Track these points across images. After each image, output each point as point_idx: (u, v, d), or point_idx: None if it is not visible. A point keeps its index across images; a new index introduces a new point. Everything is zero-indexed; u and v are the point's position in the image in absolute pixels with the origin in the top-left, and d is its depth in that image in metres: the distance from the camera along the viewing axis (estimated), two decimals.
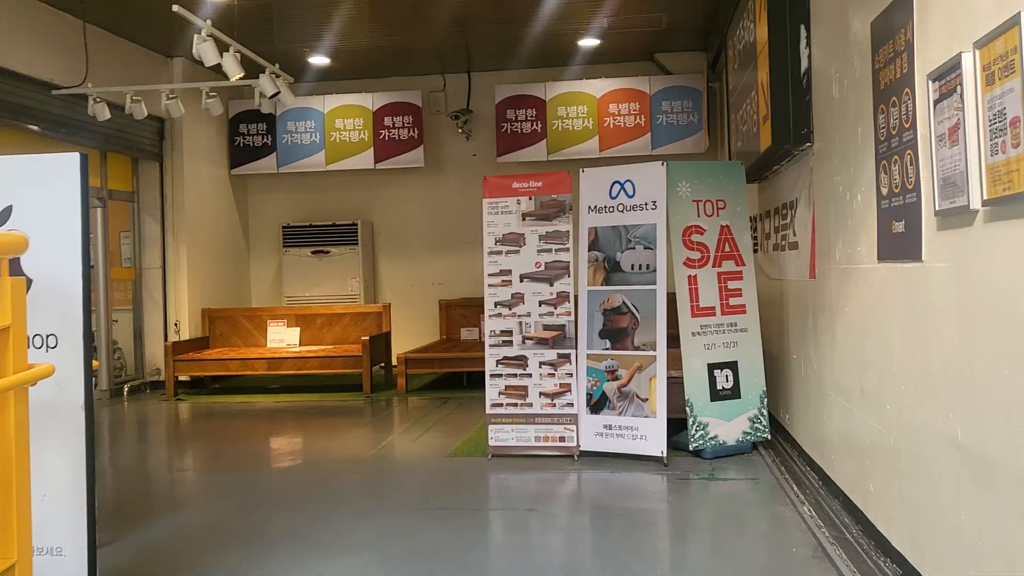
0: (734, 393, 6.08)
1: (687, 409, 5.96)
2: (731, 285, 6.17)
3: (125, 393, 10.18)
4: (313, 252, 11.71)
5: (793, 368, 5.95)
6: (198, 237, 10.92)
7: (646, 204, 6.04)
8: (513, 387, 6.17)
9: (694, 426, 5.95)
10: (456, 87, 11.78)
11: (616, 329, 6.06)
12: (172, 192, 10.70)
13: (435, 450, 6.57)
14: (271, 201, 12.34)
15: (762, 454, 6.08)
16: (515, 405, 6.16)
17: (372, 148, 11.45)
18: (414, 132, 11.39)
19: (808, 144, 5.21)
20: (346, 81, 11.77)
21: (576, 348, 6.14)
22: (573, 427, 6.09)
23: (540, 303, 6.17)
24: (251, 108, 11.67)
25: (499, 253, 6.25)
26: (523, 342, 6.18)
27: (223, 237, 11.61)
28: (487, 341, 6.25)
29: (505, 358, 6.21)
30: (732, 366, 6.10)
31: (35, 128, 8.42)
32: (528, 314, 6.18)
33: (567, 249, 6.17)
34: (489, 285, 6.26)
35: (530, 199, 6.24)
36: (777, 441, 6.29)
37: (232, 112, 11.77)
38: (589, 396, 6.11)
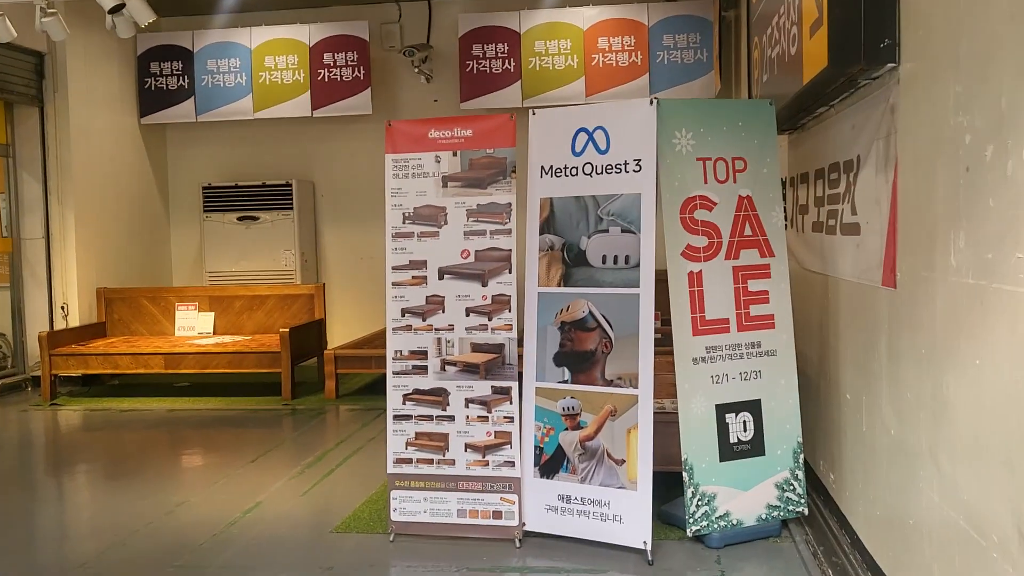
0: (755, 448, 4.07)
1: (684, 474, 3.96)
2: (754, 286, 4.12)
3: None
4: (239, 218, 9.67)
5: (846, 411, 3.94)
6: (92, 201, 8.88)
7: (626, 164, 3.98)
8: (427, 435, 4.17)
9: (695, 499, 3.96)
10: (413, 17, 9.63)
11: (579, 352, 4.04)
12: (56, 146, 8.64)
13: (321, 518, 4.59)
14: (193, 157, 10.26)
15: (796, 541, 4.08)
16: (430, 462, 4.17)
17: (309, 91, 9.35)
18: (360, 72, 9.28)
19: (890, 65, 3.13)
20: (278, 11, 9.62)
21: (520, 379, 4.14)
22: (514, 497, 4.10)
23: (468, 312, 4.14)
24: (164, 43, 9.60)
25: (408, 236, 4.21)
26: (442, 369, 4.17)
27: (131, 201, 9.56)
28: (389, 367, 4.23)
29: (416, 392, 4.20)
30: (753, 408, 4.08)
31: None
32: (450, 327, 4.16)
33: (508, 231, 4.13)
34: (394, 284, 4.23)
35: (454, 155, 4.18)
36: (818, 514, 4.29)
37: (141, 48, 9.66)
38: (539, 451, 4.12)
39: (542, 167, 4.16)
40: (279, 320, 8.67)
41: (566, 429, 4.04)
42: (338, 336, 9.62)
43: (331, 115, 9.38)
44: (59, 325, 8.67)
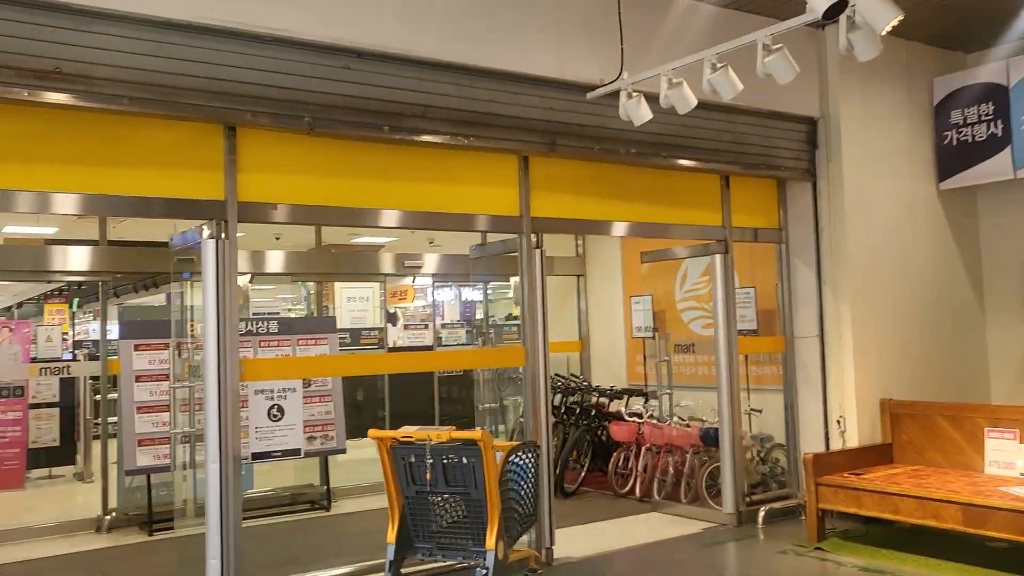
0: None
1: None
2: None
3: (760, 519, 6.99)
4: None
5: None
6: (873, 290, 7.17)
7: None
8: None
9: None
10: None
11: None
12: (830, 225, 7.19)
13: None
14: (1012, 226, 7.74)
15: None
16: None
17: None
18: None
19: None
20: None
21: None
22: None
23: None
24: (970, 82, 7.47)
25: None
26: None
27: (925, 288, 7.53)
28: None
29: None
30: None
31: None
32: None
33: None
34: None
35: None
36: None
37: (939, 95, 7.68)
38: None
39: None
40: None
41: None
42: None
43: None
44: (835, 443, 7.08)
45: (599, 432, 8.72)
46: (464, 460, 4.63)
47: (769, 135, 6.98)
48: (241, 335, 7.11)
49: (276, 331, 7.34)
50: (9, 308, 22.43)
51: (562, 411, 8.82)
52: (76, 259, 7.72)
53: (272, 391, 6.24)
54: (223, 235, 4.90)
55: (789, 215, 7.46)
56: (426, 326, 14.68)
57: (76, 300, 15.79)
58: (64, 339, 15.23)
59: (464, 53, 5.38)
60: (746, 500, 7.09)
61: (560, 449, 8.38)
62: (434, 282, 16.32)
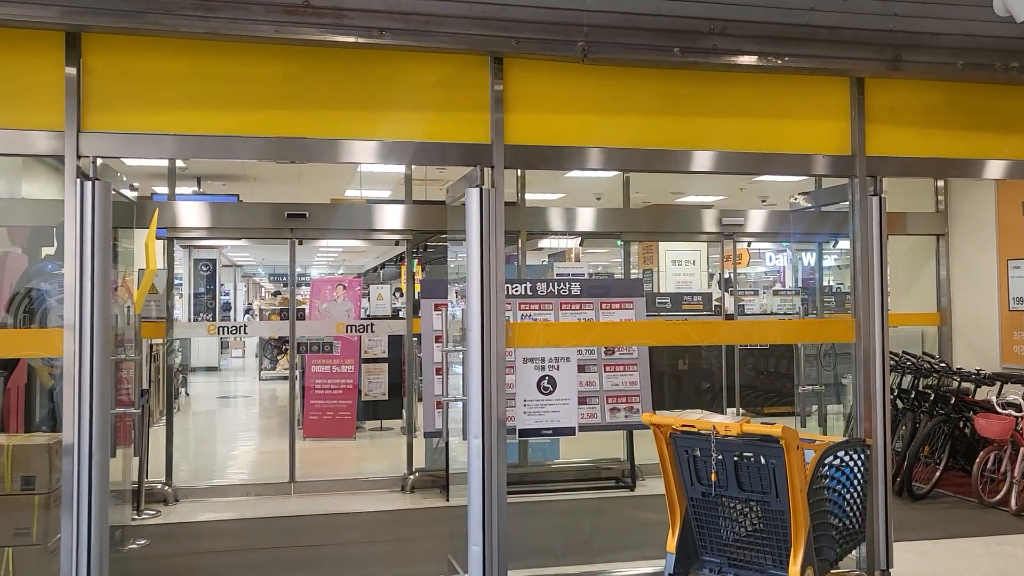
0: None
1: None
2: None
3: None
4: None
5: None
6: None
7: None
8: None
9: None
10: None
11: None
12: None
13: None
14: None
15: None
16: None
17: None
18: None
19: None
20: None
21: None
22: None
23: None
24: None
25: None
26: None
27: None
28: None
29: None
30: None
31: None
32: None
33: None
34: None
35: None
36: None
37: None
38: None
39: None
40: None
41: None
42: None
43: None
44: None
45: (961, 424, 7.13)
46: (762, 460, 3.67)
47: None
48: (541, 297, 6.65)
49: (577, 294, 6.76)
50: (375, 269, 24.49)
51: (912, 396, 7.33)
52: (389, 218, 7.83)
53: (543, 360, 5.65)
54: (488, 183, 4.35)
55: None
56: (755, 293, 13.50)
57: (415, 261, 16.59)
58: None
59: None
60: None
61: (909, 441, 6.96)
62: (778, 244, 14.92)
